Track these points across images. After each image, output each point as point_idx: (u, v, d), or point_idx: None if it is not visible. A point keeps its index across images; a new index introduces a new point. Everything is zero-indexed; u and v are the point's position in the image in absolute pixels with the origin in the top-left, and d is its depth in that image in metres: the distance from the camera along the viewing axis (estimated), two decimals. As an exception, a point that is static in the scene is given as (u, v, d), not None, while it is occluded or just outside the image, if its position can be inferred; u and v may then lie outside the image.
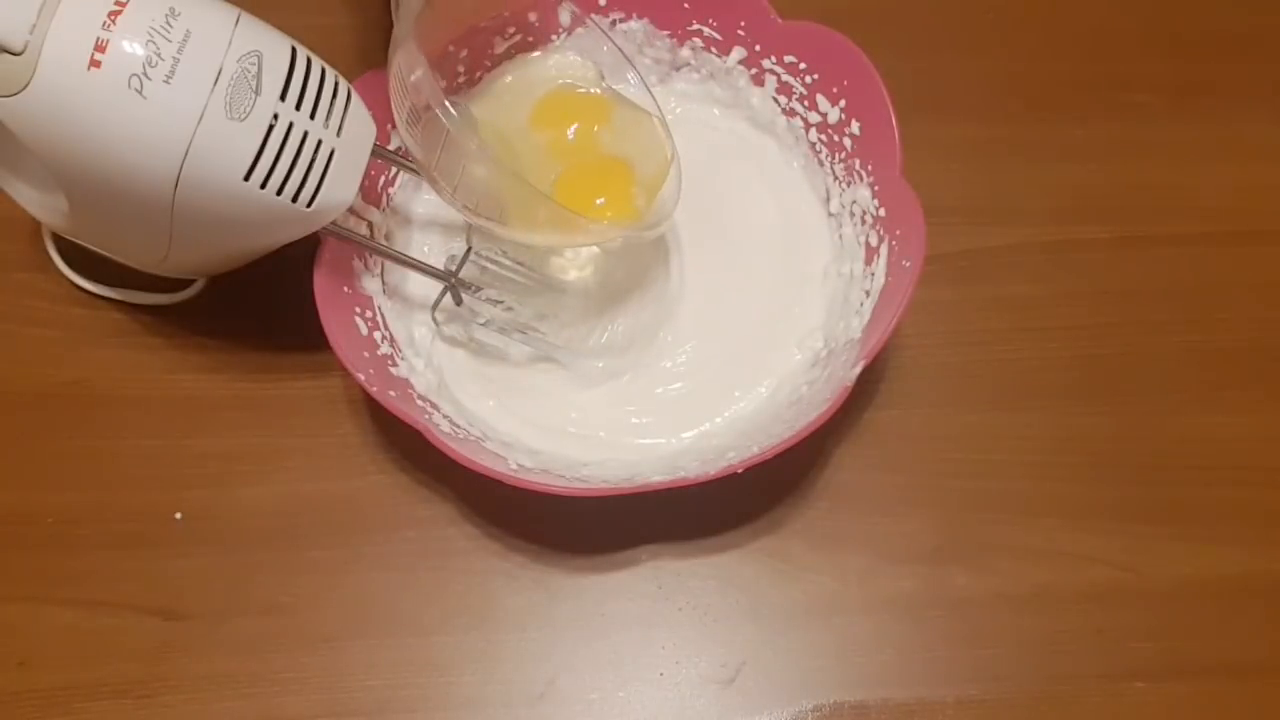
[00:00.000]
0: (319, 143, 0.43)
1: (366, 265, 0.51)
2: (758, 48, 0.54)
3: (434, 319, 0.51)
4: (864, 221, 0.52)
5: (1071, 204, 0.57)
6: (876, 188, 0.51)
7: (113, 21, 0.40)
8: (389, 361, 0.49)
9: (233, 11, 0.43)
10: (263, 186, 0.42)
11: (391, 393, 0.46)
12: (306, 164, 0.43)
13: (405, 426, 0.45)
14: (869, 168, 0.51)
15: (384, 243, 0.52)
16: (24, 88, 0.39)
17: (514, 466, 0.46)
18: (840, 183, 0.53)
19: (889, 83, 0.50)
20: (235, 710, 0.46)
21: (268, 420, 0.51)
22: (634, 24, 0.55)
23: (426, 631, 0.47)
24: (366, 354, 0.48)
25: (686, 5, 0.55)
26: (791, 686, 0.46)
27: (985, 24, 0.62)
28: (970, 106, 0.59)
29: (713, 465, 0.45)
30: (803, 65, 0.53)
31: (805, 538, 0.49)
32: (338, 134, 0.44)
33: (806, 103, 0.54)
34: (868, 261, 0.51)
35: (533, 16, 0.54)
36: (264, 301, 0.52)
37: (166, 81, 0.40)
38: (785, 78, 0.54)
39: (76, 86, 0.40)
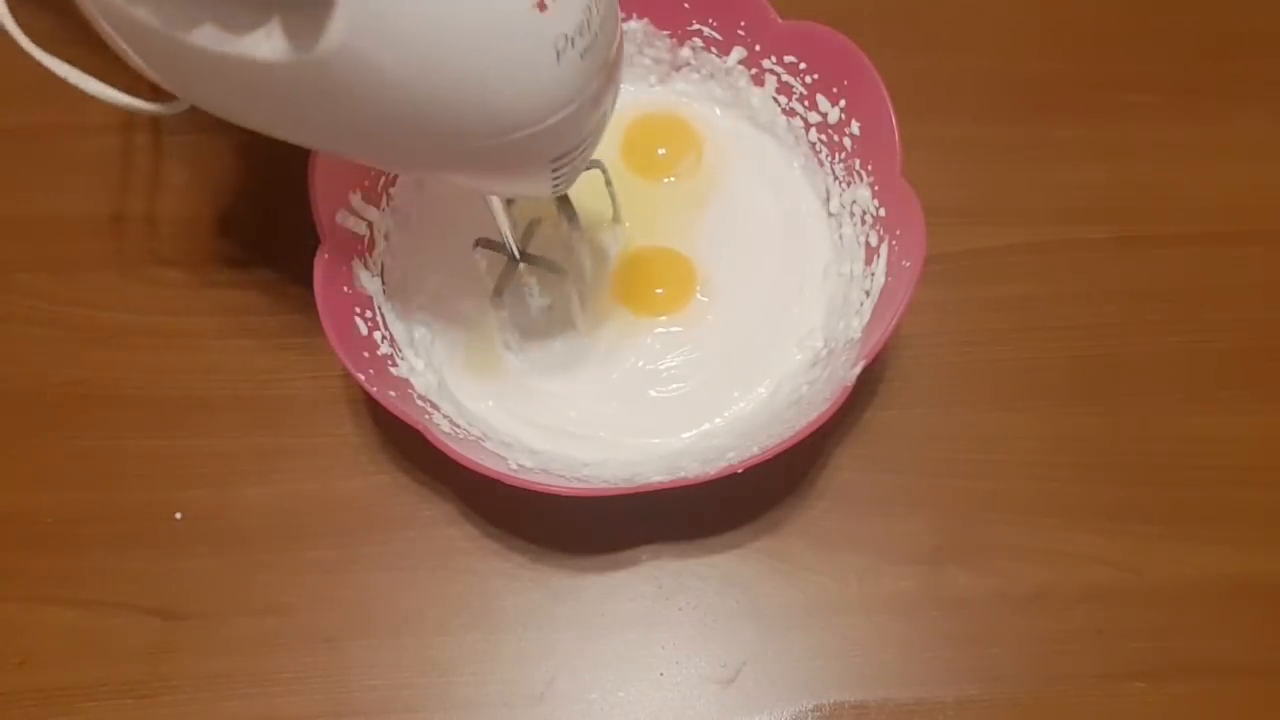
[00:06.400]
0: None
1: (366, 265, 0.51)
2: (758, 48, 0.54)
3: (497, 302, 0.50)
4: (864, 221, 0.52)
5: (1071, 204, 0.57)
6: (876, 188, 0.51)
7: None
8: (389, 361, 0.49)
9: None
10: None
11: (391, 393, 0.46)
12: None
13: (405, 426, 0.45)
14: (869, 168, 0.51)
15: (385, 242, 0.52)
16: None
17: (514, 466, 0.46)
18: (840, 183, 0.53)
19: (889, 83, 0.50)
20: (235, 710, 0.46)
21: (268, 420, 0.51)
22: (634, 24, 0.55)
23: (426, 631, 0.47)
24: (366, 354, 0.48)
25: (686, 5, 0.55)
26: (791, 686, 0.46)
27: (985, 24, 0.62)
28: (970, 106, 0.59)
29: (713, 465, 0.45)
30: (803, 65, 0.53)
31: (805, 538, 0.49)
32: None
33: (806, 103, 0.54)
34: (868, 261, 0.51)
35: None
36: (264, 301, 0.52)
37: (582, 57, 0.37)
38: (785, 78, 0.54)
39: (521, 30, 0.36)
